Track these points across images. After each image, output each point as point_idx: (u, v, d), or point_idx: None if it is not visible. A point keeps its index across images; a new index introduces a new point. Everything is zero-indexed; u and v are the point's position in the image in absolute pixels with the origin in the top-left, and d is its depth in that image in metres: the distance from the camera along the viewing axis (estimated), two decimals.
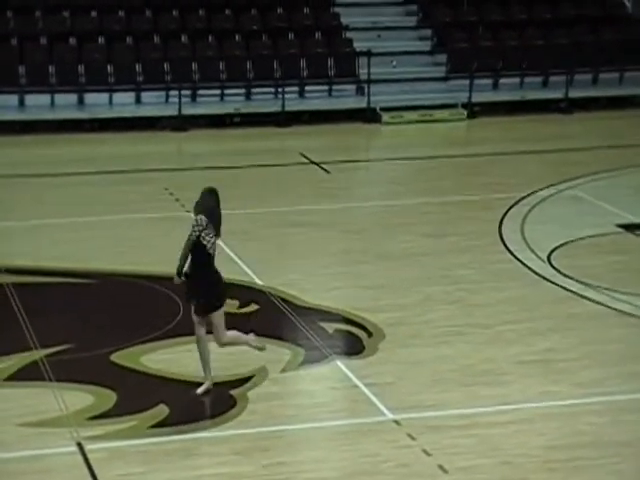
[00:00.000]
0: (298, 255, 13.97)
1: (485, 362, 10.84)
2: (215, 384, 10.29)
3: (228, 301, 12.24)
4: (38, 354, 10.79)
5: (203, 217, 9.94)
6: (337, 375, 10.61)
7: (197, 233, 9.89)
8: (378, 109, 21.48)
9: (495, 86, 22.52)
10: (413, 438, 9.37)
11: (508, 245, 14.28)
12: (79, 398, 9.96)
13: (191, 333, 11.34)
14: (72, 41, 21.07)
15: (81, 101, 20.68)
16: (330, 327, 11.64)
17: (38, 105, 20.33)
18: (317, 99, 21.67)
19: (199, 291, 10.00)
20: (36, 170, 17.55)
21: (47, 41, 20.95)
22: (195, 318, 10.08)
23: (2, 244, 13.92)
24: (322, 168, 18.08)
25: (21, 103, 20.38)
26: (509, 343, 11.30)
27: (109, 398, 9.99)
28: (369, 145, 21.06)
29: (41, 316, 11.65)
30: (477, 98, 21.85)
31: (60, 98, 20.49)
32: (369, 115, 21.34)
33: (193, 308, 10.09)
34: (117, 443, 9.26)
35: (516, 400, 10.04)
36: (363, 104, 21.47)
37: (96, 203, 15.88)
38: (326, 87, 21.82)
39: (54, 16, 21.31)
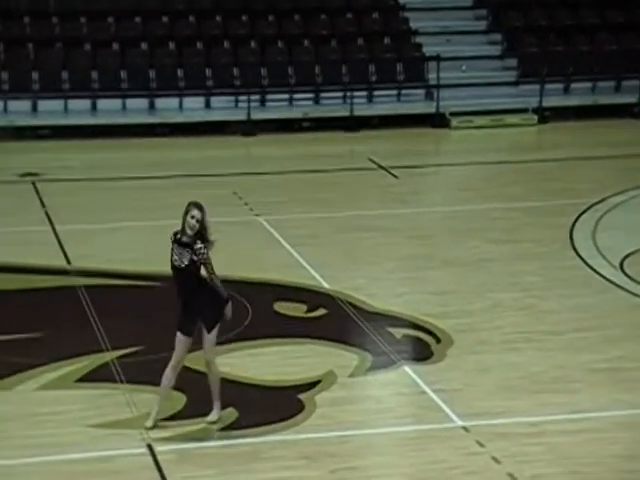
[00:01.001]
0: (366, 260, 13.96)
1: (555, 369, 10.74)
2: (283, 388, 10.32)
3: (296, 305, 12.36)
4: (109, 356, 10.90)
5: (199, 242, 9.44)
6: (405, 381, 10.59)
7: (206, 257, 9.44)
8: (447, 114, 21.40)
9: (566, 90, 22.33)
10: (482, 445, 9.31)
11: (579, 251, 14.15)
12: (149, 400, 10.03)
13: (260, 336, 11.49)
14: (144, 46, 21.31)
15: (152, 106, 20.89)
16: (398, 332, 11.62)
17: (110, 110, 20.57)
18: (386, 104, 21.66)
19: (203, 309, 9.58)
20: (108, 174, 17.75)
21: (119, 47, 21.20)
22: (186, 341, 9.58)
23: (74, 246, 14.09)
24: (390, 173, 18.06)
25: (93, 107, 20.64)
26: (579, 350, 11.19)
27: (179, 400, 10.06)
28: (438, 150, 20.99)
29: (112, 318, 11.77)
30: (548, 103, 21.69)
31: (131, 103, 20.72)
32: (438, 120, 21.27)
33: (202, 327, 9.58)
34: (186, 445, 9.33)
35: (586, 408, 9.94)
36: (432, 109, 21.41)
37: (166, 207, 15.97)
38: (395, 92, 21.80)
39: (125, 22, 21.55)
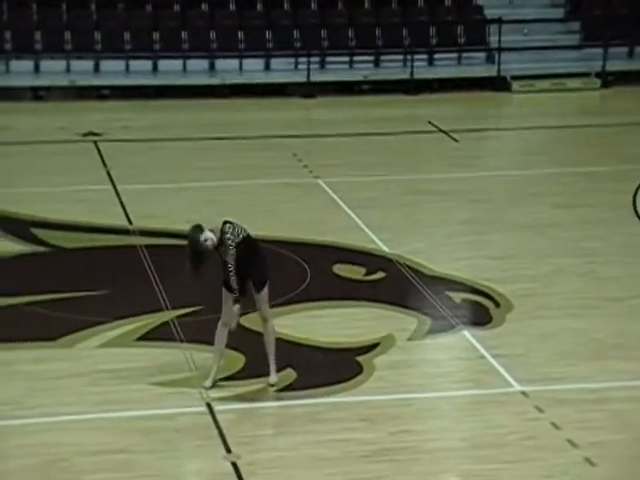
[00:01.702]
0: (425, 224, 13.91)
1: (617, 336, 10.65)
2: (341, 350, 10.35)
3: (355, 268, 12.36)
4: (169, 315, 10.98)
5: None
6: (464, 345, 10.56)
7: (232, 243, 9.42)
8: (509, 77, 21.17)
9: (630, 54, 21.96)
10: (541, 411, 9.27)
11: None
12: (209, 360, 10.08)
13: (319, 298, 11.51)
14: (204, 7, 21.30)
15: (212, 67, 20.90)
16: (457, 297, 11.58)
17: (171, 70, 20.62)
18: (446, 67, 21.47)
19: (251, 269, 9.56)
20: (169, 135, 17.81)
21: (180, 8, 21.20)
22: (237, 309, 9.55)
23: (136, 206, 14.17)
24: (451, 137, 17.94)
25: (154, 68, 20.70)
26: None
27: (238, 360, 10.12)
28: (499, 114, 20.78)
29: (172, 278, 11.83)
30: (611, 67, 21.35)
31: (192, 64, 20.75)
32: (499, 83, 21.06)
33: (253, 288, 9.61)
34: (245, 405, 9.39)
35: None
36: (493, 72, 21.19)
37: (226, 168, 16.06)
38: (456, 55, 21.60)
39: None
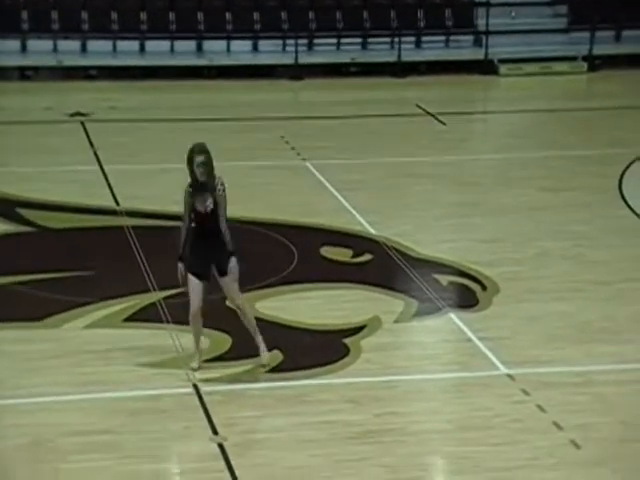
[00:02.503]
0: (413, 206, 13.91)
1: (603, 319, 10.68)
2: (328, 332, 10.36)
3: (342, 250, 12.37)
4: (156, 296, 10.97)
5: (219, 182, 9.31)
6: (450, 327, 10.58)
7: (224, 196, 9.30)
8: (496, 61, 21.15)
9: (617, 38, 21.97)
10: (527, 393, 9.30)
11: (628, 201, 14.00)
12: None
13: (306, 280, 11.51)
14: None
15: (200, 48, 20.83)
16: (444, 279, 11.60)
17: (158, 51, 20.55)
18: (434, 50, 21.44)
19: (217, 254, 9.41)
20: (157, 115, 17.76)
21: None
22: (200, 285, 9.38)
23: (123, 187, 14.14)
24: (438, 119, 17.94)
25: (142, 49, 20.63)
26: (629, 301, 11.11)
27: (225, 342, 10.13)
28: (486, 97, 20.79)
29: (159, 259, 11.81)
30: (598, 50, 21.35)
31: (179, 45, 20.68)
32: (487, 66, 21.04)
33: (215, 272, 9.40)
34: (232, 386, 9.40)
35: (635, 359, 9.88)
36: (481, 55, 21.16)
37: (213, 150, 15.89)
38: (443, 37, 21.57)
39: None
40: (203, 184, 9.26)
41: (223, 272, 9.42)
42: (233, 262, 9.41)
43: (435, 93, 19.85)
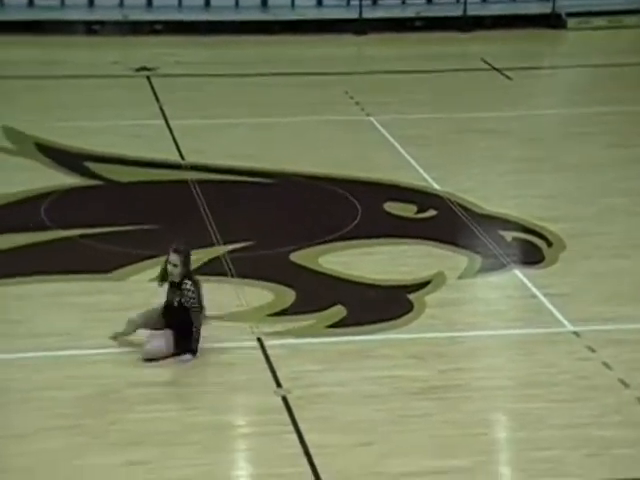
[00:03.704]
0: (477, 162, 13.81)
1: None
2: (392, 288, 10.36)
3: (406, 205, 12.33)
4: (221, 250, 11.04)
5: (188, 282, 9.06)
6: (515, 284, 10.53)
7: (194, 300, 9.05)
8: (563, 14, 20.84)
9: None
10: (593, 350, 9.24)
11: None
12: (260, 295, 10.17)
13: (370, 236, 11.50)
14: None
15: (264, 3, 20.76)
16: (508, 235, 11.52)
17: (223, 6, 20.52)
18: (500, 4, 21.15)
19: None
20: (222, 70, 17.78)
21: None
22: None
23: (188, 141, 14.19)
24: (504, 74, 17.74)
25: (207, 4, 20.62)
26: None
27: (288, 296, 10.17)
28: (553, 52, 20.50)
29: (224, 213, 11.89)
30: None
31: (244, 0, 20.64)
32: (554, 21, 20.74)
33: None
34: (295, 340, 9.44)
35: None
36: (548, 9, 20.87)
37: (278, 105, 16.02)
38: None
39: None
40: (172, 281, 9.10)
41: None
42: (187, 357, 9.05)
43: (501, 48, 19.63)
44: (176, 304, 9.08)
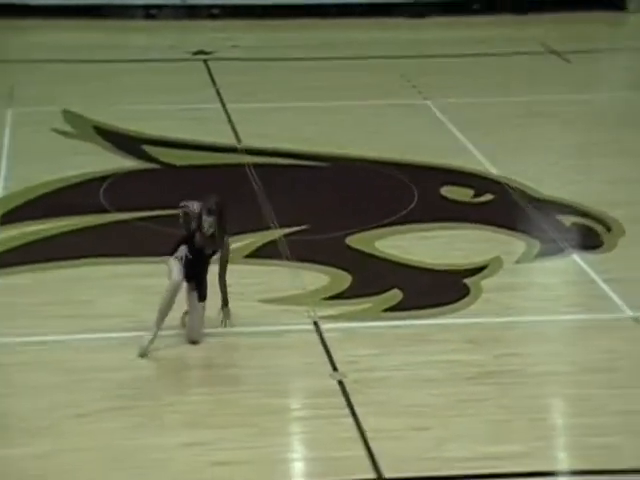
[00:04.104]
0: (536, 146, 13.70)
1: None
2: (448, 272, 10.32)
3: (463, 190, 12.27)
4: (277, 233, 11.05)
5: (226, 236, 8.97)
6: (573, 269, 10.44)
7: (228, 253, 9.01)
8: None
9: None
10: None
11: None
12: (316, 278, 10.17)
13: (426, 220, 11.47)
14: None
15: None
16: (567, 220, 11.42)
17: None
18: None
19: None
20: (278, 54, 17.79)
21: None
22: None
23: (244, 125, 14.22)
24: (563, 57, 17.57)
25: None
26: None
27: (344, 280, 10.17)
28: (614, 34, 20.23)
29: (280, 197, 11.91)
30: None
31: None
32: (616, 3, 20.49)
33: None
34: (351, 324, 9.44)
35: None
36: None
37: (334, 88, 15.99)
38: None
39: None
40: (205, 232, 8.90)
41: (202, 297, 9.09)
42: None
43: (560, 30, 19.43)
44: (207, 253, 8.91)
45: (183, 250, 8.86)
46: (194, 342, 9.02)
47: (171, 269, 8.82)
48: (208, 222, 8.85)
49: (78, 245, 10.82)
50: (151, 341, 8.80)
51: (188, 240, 8.97)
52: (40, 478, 7.42)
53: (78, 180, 12.36)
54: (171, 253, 8.97)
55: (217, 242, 8.95)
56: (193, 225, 8.94)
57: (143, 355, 8.79)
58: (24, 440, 7.77)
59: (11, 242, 10.85)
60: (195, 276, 9.01)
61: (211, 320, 9.21)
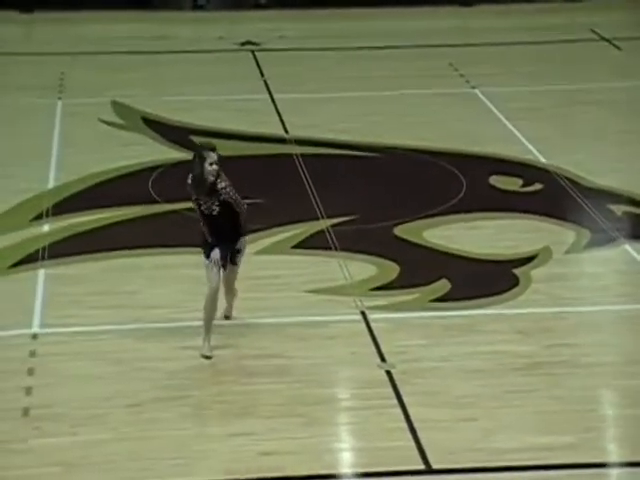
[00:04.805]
0: (585, 134, 13.56)
1: None
2: (497, 262, 10.25)
3: (512, 179, 12.18)
4: (325, 223, 11.04)
5: (222, 182, 8.70)
6: (624, 258, 10.32)
7: (232, 194, 8.74)
8: None
9: None
10: None
11: None
12: (363, 268, 10.15)
13: (475, 210, 11.39)
14: None
15: None
16: (618, 209, 11.30)
17: None
18: None
19: (230, 245, 8.86)
20: (325, 44, 17.73)
21: None
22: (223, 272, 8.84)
23: (292, 115, 14.21)
24: (613, 45, 17.37)
25: None
26: None
27: (392, 270, 10.13)
28: None
29: (328, 187, 11.89)
30: None
31: None
32: None
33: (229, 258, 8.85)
34: (399, 314, 9.41)
35: None
36: None
37: (380, 77, 15.93)
38: None
39: None
40: (209, 185, 8.62)
41: (234, 262, 8.91)
42: (243, 243, 8.87)
43: (611, 17, 19.20)
44: (216, 212, 8.66)
45: (217, 253, 8.79)
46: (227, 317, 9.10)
47: (208, 276, 8.77)
48: (215, 159, 8.55)
49: (127, 236, 10.87)
50: (206, 344, 8.77)
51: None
52: (89, 467, 7.47)
53: (127, 171, 12.43)
54: (202, 243, 8.86)
55: (217, 191, 8.56)
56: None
57: (207, 357, 8.72)
58: (73, 429, 7.83)
59: (61, 233, 10.93)
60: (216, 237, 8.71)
61: (258, 310, 9.25)
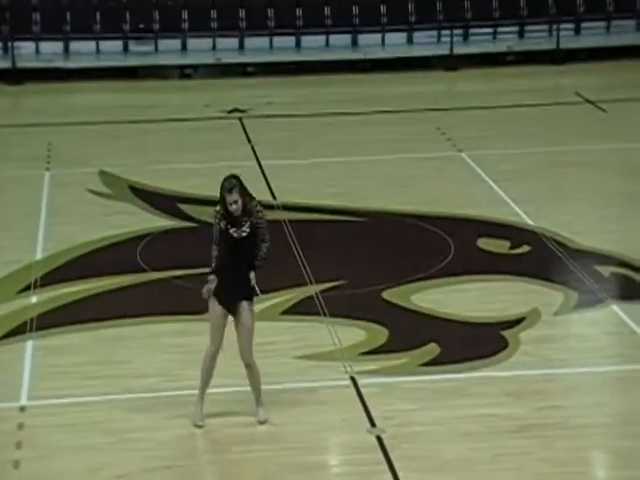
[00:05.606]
0: (572, 196, 13.63)
1: None
2: (486, 325, 10.24)
3: (500, 241, 12.22)
4: (313, 289, 11.04)
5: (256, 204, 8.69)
6: (613, 320, 10.33)
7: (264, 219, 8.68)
8: None
9: None
10: None
11: None
12: (352, 333, 10.14)
13: (463, 272, 11.40)
14: None
15: (355, 42, 20.87)
16: (605, 270, 11.33)
17: (313, 46, 20.67)
18: (594, 36, 20.98)
19: (246, 284, 8.71)
20: (313, 110, 17.88)
21: None
22: (223, 323, 8.68)
23: (280, 181, 14.28)
24: (598, 107, 17.53)
25: (297, 44, 20.79)
26: None
27: (381, 334, 10.12)
28: None
29: (316, 252, 11.90)
30: None
31: (334, 39, 20.76)
32: None
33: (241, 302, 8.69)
34: (389, 379, 9.38)
35: None
36: None
37: (369, 142, 16.04)
38: (604, 23, 21.07)
39: None
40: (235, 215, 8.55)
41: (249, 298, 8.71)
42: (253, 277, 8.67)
43: (595, 80, 19.43)
44: (246, 233, 8.53)
45: (214, 281, 8.60)
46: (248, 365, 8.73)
47: (210, 335, 8.71)
48: (233, 199, 8.48)
49: (116, 305, 10.85)
50: (198, 411, 8.71)
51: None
52: None
53: (115, 240, 12.44)
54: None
55: (251, 211, 8.55)
56: (222, 225, 8.56)
57: (199, 426, 8.65)
58: None
59: (51, 303, 10.91)
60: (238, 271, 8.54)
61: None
